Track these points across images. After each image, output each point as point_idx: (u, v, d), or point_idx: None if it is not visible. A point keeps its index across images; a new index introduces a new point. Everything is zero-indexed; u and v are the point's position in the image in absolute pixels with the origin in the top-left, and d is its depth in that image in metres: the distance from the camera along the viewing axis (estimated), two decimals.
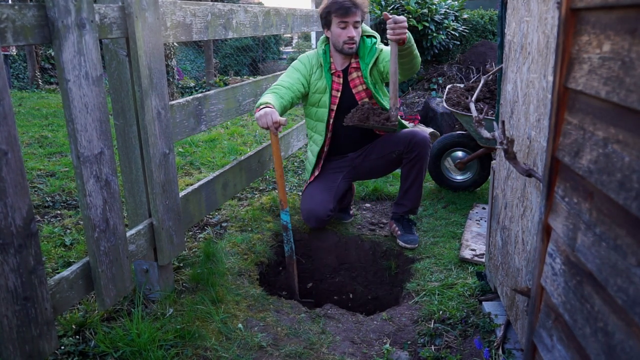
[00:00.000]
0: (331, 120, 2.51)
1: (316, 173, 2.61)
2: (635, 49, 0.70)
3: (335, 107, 2.50)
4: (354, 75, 2.50)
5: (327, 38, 2.49)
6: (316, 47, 2.59)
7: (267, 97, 2.26)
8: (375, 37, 2.51)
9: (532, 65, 1.40)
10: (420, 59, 2.36)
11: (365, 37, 2.49)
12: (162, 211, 1.81)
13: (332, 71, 2.50)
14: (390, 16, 2.10)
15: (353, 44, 2.39)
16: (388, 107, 2.45)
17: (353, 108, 2.42)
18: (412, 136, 2.46)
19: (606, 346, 0.79)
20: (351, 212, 2.88)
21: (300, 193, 3.16)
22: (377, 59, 2.45)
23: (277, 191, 3.13)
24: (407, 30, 2.10)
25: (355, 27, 2.38)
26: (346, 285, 2.58)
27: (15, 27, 1.18)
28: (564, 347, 0.96)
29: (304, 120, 3.62)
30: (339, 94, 2.49)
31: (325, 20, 2.42)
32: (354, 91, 2.51)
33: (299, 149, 3.64)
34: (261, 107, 2.16)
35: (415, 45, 2.26)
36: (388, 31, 2.10)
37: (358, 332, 1.84)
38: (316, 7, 4.22)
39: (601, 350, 0.80)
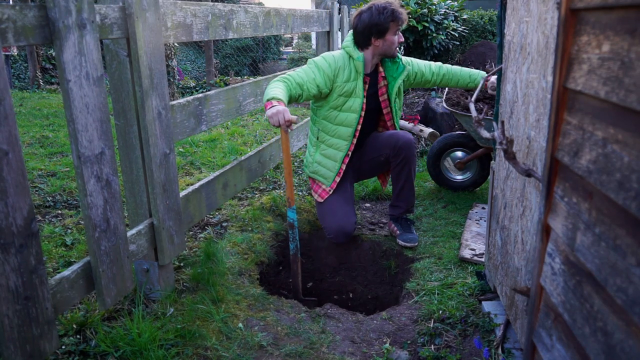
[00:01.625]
0: (359, 127, 2.49)
1: (337, 180, 2.54)
2: (635, 49, 0.71)
3: (363, 113, 2.50)
4: (382, 83, 2.54)
5: (356, 44, 2.44)
6: (340, 48, 2.53)
7: (276, 90, 2.17)
8: (399, 57, 2.55)
9: (531, 65, 1.40)
10: None
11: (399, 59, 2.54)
12: (162, 211, 1.82)
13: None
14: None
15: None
16: (399, 117, 2.66)
17: (374, 113, 2.56)
18: (396, 140, 2.47)
19: (606, 346, 0.79)
20: None
21: (300, 193, 3.16)
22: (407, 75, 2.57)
23: (277, 191, 3.14)
24: None
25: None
26: (346, 285, 2.59)
27: (16, 27, 1.19)
28: (564, 347, 0.97)
29: (304, 121, 3.62)
30: (365, 100, 2.50)
31: (379, 29, 2.36)
32: (380, 99, 2.55)
33: (298, 149, 3.64)
34: (272, 102, 2.07)
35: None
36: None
37: (358, 332, 1.85)
38: (316, 7, 4.22)
39: (601, 349, 0.81)
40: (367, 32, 2.38)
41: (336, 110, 2.46)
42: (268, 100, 2.10)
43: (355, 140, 2.49)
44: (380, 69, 2.53)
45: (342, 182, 2.59)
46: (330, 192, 2.54)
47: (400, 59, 2.53)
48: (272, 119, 2.04)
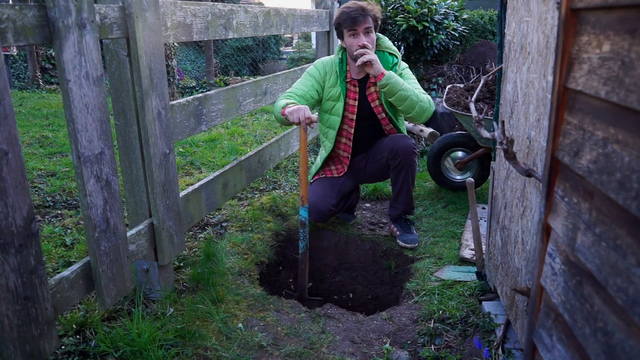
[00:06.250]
0: (352, 130, 2.54)
1: (317, 177, 2.65)
2: (635, 49, 0.70)
3: (354, 117, 2.51)
4: (372, 89, 2.50)
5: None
6: (333, 53, 2.59)
7: (286, 100, 2.31)
8: (397, 57, 2.49)
9: (532, 65, 1.40)
10: (418, 103, 2.33)
11: (387, 54, 2.48)
12: (162, 211, 1.81)
13: (348, 80, 2.50)
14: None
15: (364, 50, 2.30)
16: (401, 129, 2.58)
17: (370, 119, 2.53)
18: (394, 144, 2.44)
19: (606, 346, 0.79)
20: (355, 213, 2.89)
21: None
22: None
23: (277, 191, 3.14)
24: (375, 63, 2.25)
25: (367, 34, 2.35)
26: (346, 285, 2.59)
27: (16, 27, 1.18)
28: (564, 347, 0.97)
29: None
30: (356, 103, 2.50)
31: (338, 32, 2.44)
32: (372, 105, 2.52)
33: (298, 148, 3.63)
34: (289, 105, 2.21)
35: (401, 86, 2.30)
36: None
37: (358, 332, 1.85)
38: (316, 7, 4.22)
39: (601, 350, 0.80)
40: (337, 34, 2.47)
41: (327, 113, 2.57)
42: (282, 107, 2.23)
43: (347, 142, 2.58)
44: None
45: (339, 177, 2.65)
46: (318, 178, 2.66)
47: (396, 64, 2.46)
48: (292, 115, 2.13)
